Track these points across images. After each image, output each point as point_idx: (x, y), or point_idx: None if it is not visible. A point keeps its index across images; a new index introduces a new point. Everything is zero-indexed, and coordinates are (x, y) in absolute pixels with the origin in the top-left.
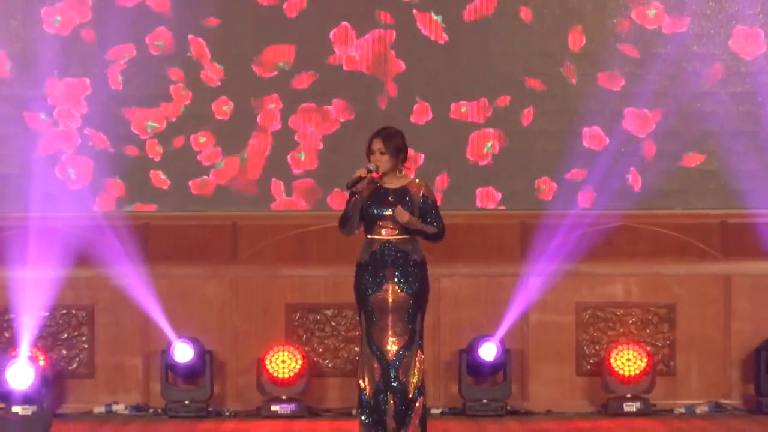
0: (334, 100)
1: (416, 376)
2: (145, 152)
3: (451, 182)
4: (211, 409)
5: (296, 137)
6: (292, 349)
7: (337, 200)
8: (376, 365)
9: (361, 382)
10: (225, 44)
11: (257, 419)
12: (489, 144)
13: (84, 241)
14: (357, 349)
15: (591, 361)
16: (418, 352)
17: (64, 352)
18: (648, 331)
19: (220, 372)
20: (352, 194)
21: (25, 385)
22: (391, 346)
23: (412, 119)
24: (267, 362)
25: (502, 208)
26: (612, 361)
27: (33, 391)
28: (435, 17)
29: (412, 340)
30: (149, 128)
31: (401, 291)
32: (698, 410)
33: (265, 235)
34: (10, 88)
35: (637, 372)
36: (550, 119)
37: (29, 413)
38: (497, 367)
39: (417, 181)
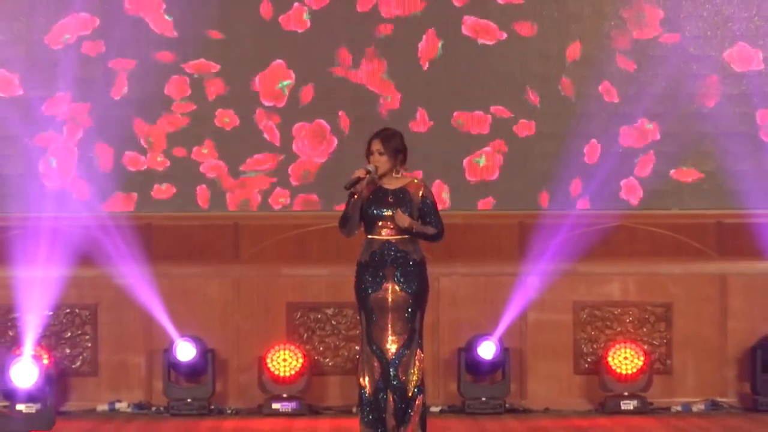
0: (336, 114)
1: (416, 375)
2: (148, 164)
3: (451, 189)
4: (213, 407)
5: (297, 150)
6: (293, 347)
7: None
8: (376, 364)
9: (361, 380)
10: (228, 58)
11: (259, 417)
12: (485, 153)
13: (88, 241)
14: (357, 347)
15: (588, 359)
16: (418, 350)
17: (68, 350)
18: (645, 329)
19: (221, 370)
20: (351, 195)
21: (29, 383)
22: (391, 345)
23: (414, 129)
24: (268, 361)
25: (500, 209)
26: (609, 359)
27: (37, 389)
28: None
29: (412, 339)
30: (152, 140)
31: (401, 290)
32: (695, 408)
33: (267, 235)
34: (16, 92)
35: (634, 370)
36: (548, 124)
37: (33, 411)
38: (496, 365)
39: (416, 181)
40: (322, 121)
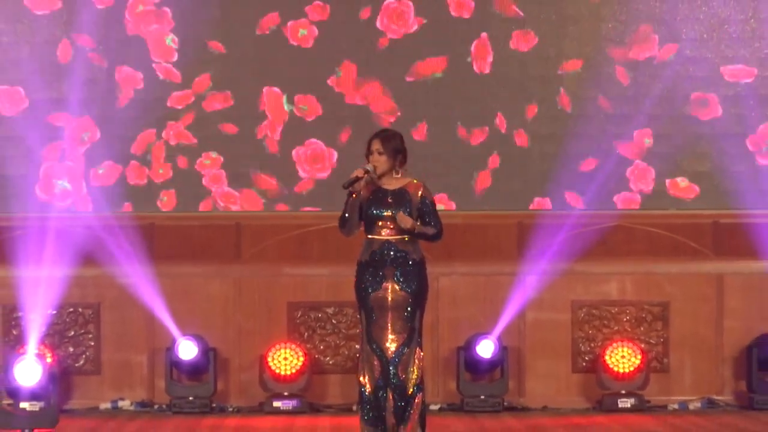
0: (339, 128)
1: (415, 373)
2: (150, 174)
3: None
4: (214, 405)
5: (299, 164)
6: (293, 346)
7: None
8: (376, 362)
9: (361, 378)
10: (230, 71)
11: (260, 415)
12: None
13: (90, 241)
14: (357, 346)
15: (586, 358)
16: (417, 349)
17: (71, 349)
18: (642, 328)
19: (223, 369)
20: (349, 194)
21: (32, 382)
22: (391, 344)
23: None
24: (269, 359)
25: (499, 209)
26: (607, 358)
27: (40, 388)
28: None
29: (411, 338)
30: (153, 150)
31: (400, 290)
32: (691, 406)
33: (268, 235)
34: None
35: (632, 369)
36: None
37: (37, 409)
38: (494, 364)
39: (415, 181)
40: (326, 134)
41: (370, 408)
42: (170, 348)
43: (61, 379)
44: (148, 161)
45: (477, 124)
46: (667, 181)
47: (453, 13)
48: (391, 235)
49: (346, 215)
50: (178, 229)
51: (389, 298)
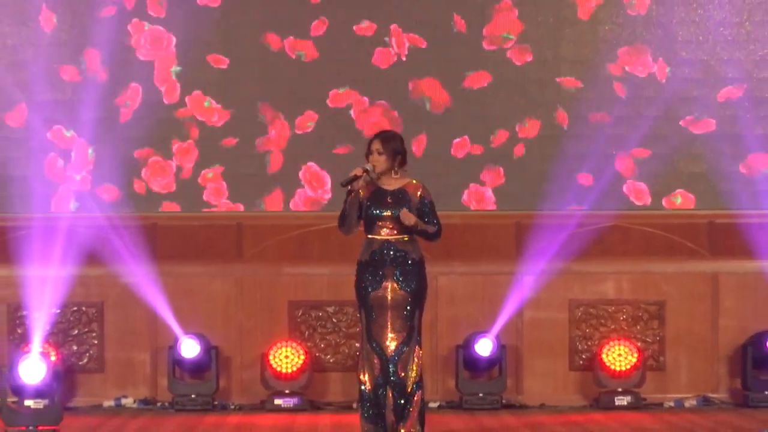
0: (339, 142)
1: (414, 371)
2: (152, 187)
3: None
4: (216, 402)
5: (300, 177)
6: (294, 344)
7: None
8: (375, 360)
9: (361, 376)
10: (231, 85)
11: (261, 412)
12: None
13: (94, 241)
14: (357, 344)
15: (583, 356)
16: (417, 347)
17: (75, 347)
18: (638, 327)
19: (225, 367)
20: (348, 192)
21: (37, 380)
22: (390, 342)
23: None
24: (271, 357)
25: (497, 208)
26: (604, 356)
27: (45, 386)
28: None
29: (411, 336)
30: (155, 162)
31: (400, 289)
32: (687, 404)
33: (269, 234)
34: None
35: (628, 367)
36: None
37: (41, 407)
38: (493, 362)
39: (414, 182)
40: (327, 149)
41: (370, 405)
42: (173, 346)
43: (65, 377)
44: (150, 174)
45: (476, 140)
46: (662, 181)
47: (454, 30)
48: (391, 235)
49: (345, 213)
50: (181, 229)
51: (389, 297)
